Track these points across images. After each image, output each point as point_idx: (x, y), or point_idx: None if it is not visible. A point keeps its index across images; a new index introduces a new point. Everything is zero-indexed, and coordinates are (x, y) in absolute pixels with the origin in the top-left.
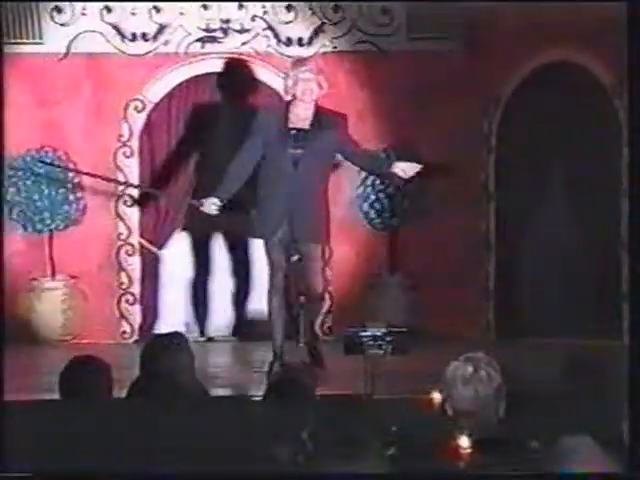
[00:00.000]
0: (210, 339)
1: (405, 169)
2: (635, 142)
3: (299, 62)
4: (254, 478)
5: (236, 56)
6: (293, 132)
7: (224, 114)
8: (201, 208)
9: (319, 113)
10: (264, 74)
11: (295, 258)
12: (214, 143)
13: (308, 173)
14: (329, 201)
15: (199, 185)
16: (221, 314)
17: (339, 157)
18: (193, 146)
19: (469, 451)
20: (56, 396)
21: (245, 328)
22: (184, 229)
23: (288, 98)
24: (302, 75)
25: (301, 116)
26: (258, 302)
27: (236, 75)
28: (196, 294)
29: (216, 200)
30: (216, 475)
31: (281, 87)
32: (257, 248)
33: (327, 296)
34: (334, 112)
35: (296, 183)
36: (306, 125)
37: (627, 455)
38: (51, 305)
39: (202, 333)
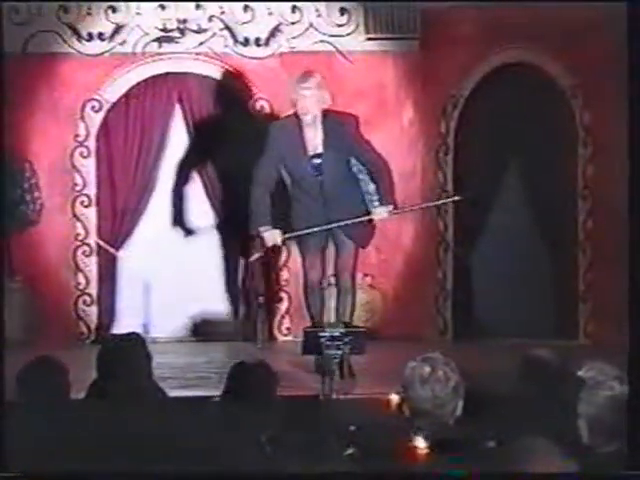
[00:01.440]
0: (166, 340)
1: (378, 215)
2: (635, 142)
3: (301, 78)
4: (212, 479)
5: (196, 55)
6: (312, 160)
7: (184, 114)
8: (267, 245)
9: (328, 121)
10: (221, 74)
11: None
12: (174, 143)
13: (335, 193)
14: None
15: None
16: (179, 314)
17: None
18: (152, 146)
19: (426, 451)
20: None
21: (204, 328)
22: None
23: (292, 112)
24: (302, 92)
25: (310, 137)
26: (217, 302)
27: (196, 75)
28: (154, 294)
29: (276, 231)
30: (176, 476)
31: (243, 88)
32: (212, 247)
33: (285, 297)
34: (344, 116)
35: (326, 207)
36: (319, 147)
37: (588, 454)
38: (8, 306)
39: (159, 333)
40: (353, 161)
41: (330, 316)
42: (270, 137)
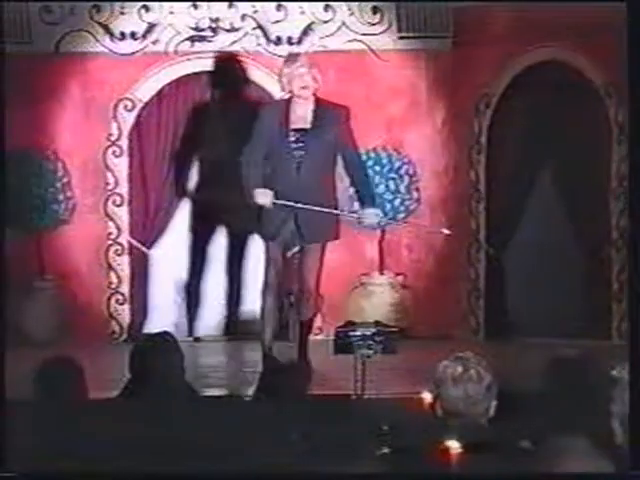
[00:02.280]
0: (199, 339)
1: (366, 218)
2: (635, 142)
3: (291, 58)
4: (244, 478)
5: (228, 54)
6: (294, 133)
7: (216, 113)
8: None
9: (320, 107)
10: (254, 73)
11: (295, 250)
12: (207, 142)
13: (311, 173)
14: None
15: (200, 184)
16: (212, 313)
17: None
18: (184, 145)
19: (459, 451)
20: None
21: (235, 328)
22: (191, 228)
23: (286, 96)
24: (296, 71)
25: (300, 114)
26: (249, 301)
27: (228, 73)
28: (187, 293)
29: (268, 191)
30: (207, 475)
31: (277, 87)
32: (251, 247)
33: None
34: (335, 105)
35: (299, 184)
36: (307, 124)
37: (621, 454)
38: (40, 305)
39: (192, 333)
40: (338, 154)
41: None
42: (260, 117)
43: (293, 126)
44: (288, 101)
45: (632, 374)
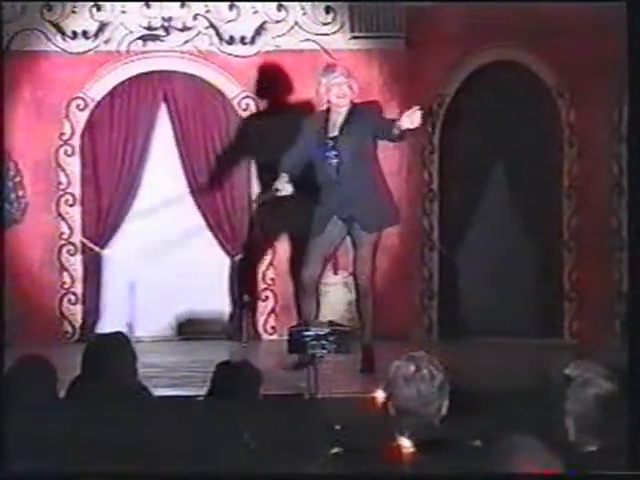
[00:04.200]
0: (152, 339)
1: (411, 119)
2: (635, 142)
3: (329, 68)
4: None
5: (182, 54)
6: (331, 141)
7: (169, 113)
8: (277, 190)
9: (354, 110)
10: (206, 72)
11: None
12: (159, 142)
13: (351, 174)
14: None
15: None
16: (165, 313)
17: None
18: (136, 144)
19: (411, 450)
20: None
21: (188, 327)
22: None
23: (324, 107)
24: (334, 80)
25: (336, 121)
26: (203, 300)
27: (183, 72)
28: (140, 293)
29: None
30: (157, 476)
31: (228, 86)
32: (204, 246)
33: (270, 296)
34: (367, 103)
35: (342, 186)
36: (342, 130)
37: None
38: None
39: (144, 333)
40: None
41: (325, 315)
42: (299, 128)
43: (330, 134)
44: (327, 111)
45: (632, 374)
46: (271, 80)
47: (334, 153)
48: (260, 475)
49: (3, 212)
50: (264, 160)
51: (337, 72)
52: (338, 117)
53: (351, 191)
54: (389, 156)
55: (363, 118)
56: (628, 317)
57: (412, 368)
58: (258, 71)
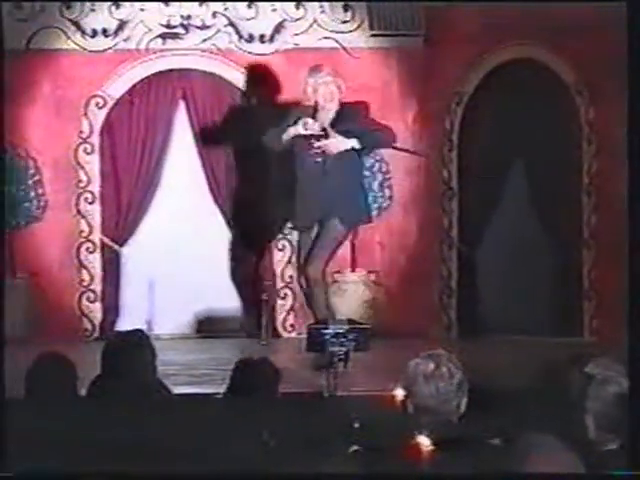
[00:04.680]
0: (172, 336)
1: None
2: (636, 142)
3: (315, 69)
4: (214, 477)
5: (201, 53)
6: (314, 140)
7: (188, 110)
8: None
9: (342, 109)
10: (225, 70)
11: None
12: (178, 139)
13: (334, 170)
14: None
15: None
16: (184, 311)
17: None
18: (155, 142)
19: (430, 448)
20: (19, 395)
21: (208, 325)
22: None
23: (311, 104)
24: (321, 80)
25: (325, 121)
26: (222, 298)
27: (198, 72)
28: (160, 291)
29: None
30: (175, 475)
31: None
32: (216, 243)
33: (289, 293)
34: (355, 103)
35: (326, 183)
36: (329, 128)
37: (594, 450)
38: (12, 303)
39: (164, 330)
40: (360, 155)
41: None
42: (290, 116)
43: (316, 132)
44: (314, 109)
45: (632, 374)
46: (288, 78)
47: (320, 151)
48: (278, 473)
49: (3, 211)
50: None
51: (324, 72)
52: (326, 115)
53: (333, 189)
54: (408, 154)
55: (350, 119)
56: (628, 317)
57: (431, 366)
58: (276, 69)
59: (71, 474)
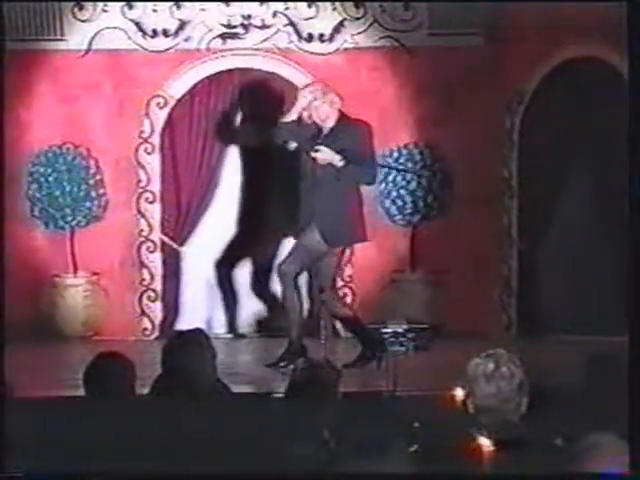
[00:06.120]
0: (233, 335)
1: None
2: (635, 142)
3: (303, 91)
4: (275, 477)
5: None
6: (311, 141)
7: (247, 111)
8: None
9: (340, 123)
10: (285, 70)
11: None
12: (238, 140)
13: (322, 182)
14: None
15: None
16: (244, 310)
17: None
18: (215, 142)
19: (490, 449)
20: (77, 392)
21: (268, 324)
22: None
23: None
24: (312, 105)
25: (322, 133)
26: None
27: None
28: (219, 290)
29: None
30: (236, 474)
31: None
32: (276, 243)
33: (349, 292)
34: (356, 121)
35: (317, 189)
36: (320, 139)
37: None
38: (73, 302)
39: (224, 330)
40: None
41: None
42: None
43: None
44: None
45: (632, 373)
46: (348, 78)
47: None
48: (338, 473)
49: (3, 211)
50: None
51: (313, 94)
52: (324, 128)
53: (319, 200)
54: (468, 153)
55: (344, 137)
56: (629, 316)
57: (491, 366)
58: (337, 69)
59: (54, 475)
